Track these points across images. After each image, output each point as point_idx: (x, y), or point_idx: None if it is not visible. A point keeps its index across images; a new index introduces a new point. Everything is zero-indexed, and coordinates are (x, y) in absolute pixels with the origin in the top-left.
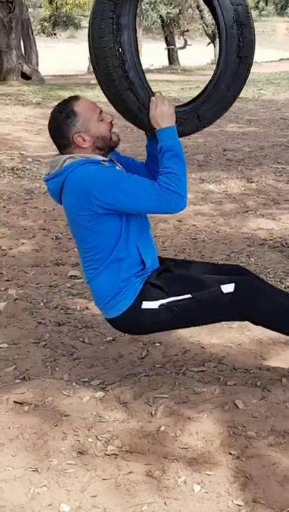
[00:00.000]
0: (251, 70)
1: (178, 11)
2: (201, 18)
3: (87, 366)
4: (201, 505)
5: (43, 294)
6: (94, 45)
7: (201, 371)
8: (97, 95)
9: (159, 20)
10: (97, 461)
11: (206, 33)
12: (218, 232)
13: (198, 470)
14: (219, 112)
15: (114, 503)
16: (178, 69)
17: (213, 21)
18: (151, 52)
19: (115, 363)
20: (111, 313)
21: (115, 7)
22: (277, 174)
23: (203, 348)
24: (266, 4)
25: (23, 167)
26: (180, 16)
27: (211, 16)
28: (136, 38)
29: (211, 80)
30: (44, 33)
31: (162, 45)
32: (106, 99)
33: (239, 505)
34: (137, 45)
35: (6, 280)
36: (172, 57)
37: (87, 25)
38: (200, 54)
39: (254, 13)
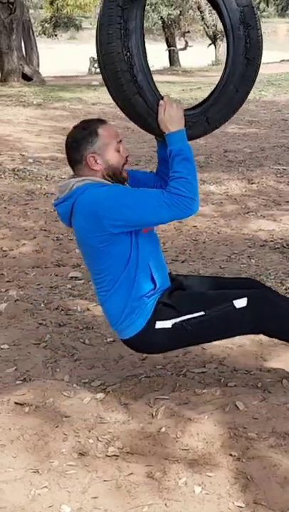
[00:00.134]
0: None
1: (179, 12)
2: (202, 19)
3: (87, 367)
4: (201, 506)
5: (44, 295)
6: (102, 51)
7: (202, 372)
8: (97, 96)
9: (160, 22)
10: (97, 463)
11: (207, 35)
12: (218, 233)
13: (198, 471)
14: (228, 114)
15: (115, 504)
16: (179, 70)
17: (214, 22)
18: (152, 54)
19: (116, 364)
20: (125, 334)
21: (122, 12)
22: (278, 175)
23: (203, 349)
24: (267, 5)
25: (24, 168)
26: (181, 17)
27: (212, 17)
28: (144, 42)
29: (219, 83)
30: (45, 34)
31: (163, 47)
32: (107, 101)
33: (240, 507)
34: (145, 49)
35: (7, 281)
36: (173, 59)
37: (88, 26)
38: (201, 55)
39: None
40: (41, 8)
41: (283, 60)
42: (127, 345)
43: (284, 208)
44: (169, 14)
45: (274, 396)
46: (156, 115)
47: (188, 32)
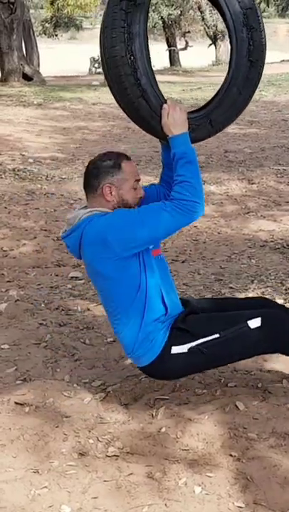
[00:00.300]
0: None
1: (179, 13)
2: (203, 19)
3: (88, 367)
4: (201, 506)
5: (44, 295)
6: (105, 54)
7: (202, 372)
8: (98, 96)
9: (161, 22)
10: (98, 463)
11: (208, 35)
12: (219, 233)
13: (198, 471)
14: (231, 117)
15: (115, 504)
16: (179, 70)
17: (214, 23)
18: (153, 54)
19: (116, 364)
20: (142, 361)
21: (126, 16)
22: (279, 176)
23: None
24: (267, 6)
25: (25, 168)
26: (181, 17)
27: (213, 18)
28: (147, 45)
29: (222, 85)
30: (45, 34)
31: (163, 47)
32: (107, 101)
33: (240, 507)
34: (149, 52)
35: (7, 281)
36: (173, 59)
37: (89, 26)
38: (201, 55)
39: None
40: (42, 8)
41: (283, 61)
42: (144, 372)
43: (284, 208)
44: (169, 14)
45: (274, 396)
46: (159, 118)
47: (189, 32)
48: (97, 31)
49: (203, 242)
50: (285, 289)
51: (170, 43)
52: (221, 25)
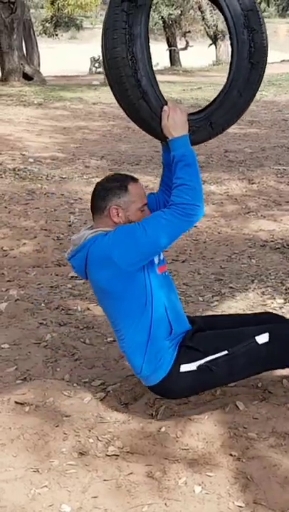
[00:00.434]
0: None
1: (179, 12)
2: (203, 19)
3: (88, 367)
4: (201, 506)
5: (44, 295)
6: (107, 56)
7: None
8: (98, 96)
9: (161, 22)
10: (98, 462)
11: (208, 35)
12: (219, 233)
13: (198, 471)
14: (232, 119)
15: (115, 503)
16: (179, 70)
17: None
18: (153, 53)
19: (116, 364)
20: (151, 380)
21: (128, 17)
22: (279, 175)
23: None
24: (268, 5)
25: (25, 168)
26: (182, 17)
27: (213, 18)
28: (148, 47)
29: (223, 87)
30: (46, 33)
31: (164, 46)
32: (108, 101)
33: (240, 507)
34: (150, 54)
35: (7, 281)
36: (174, 59)
37: (89, 26)
38: (201, 55)
39: None
40: (42, 7)
41: (284, 60)
42: (153, 391)
43: (284, 208)
44: (169, 14)
45: (274, 396)
46: (160, 120)
47: (189, 32)
48: (98, 31)
49: (204, 241)
50: (285, 289)
51: (170, 43)
52: (222, 25)
